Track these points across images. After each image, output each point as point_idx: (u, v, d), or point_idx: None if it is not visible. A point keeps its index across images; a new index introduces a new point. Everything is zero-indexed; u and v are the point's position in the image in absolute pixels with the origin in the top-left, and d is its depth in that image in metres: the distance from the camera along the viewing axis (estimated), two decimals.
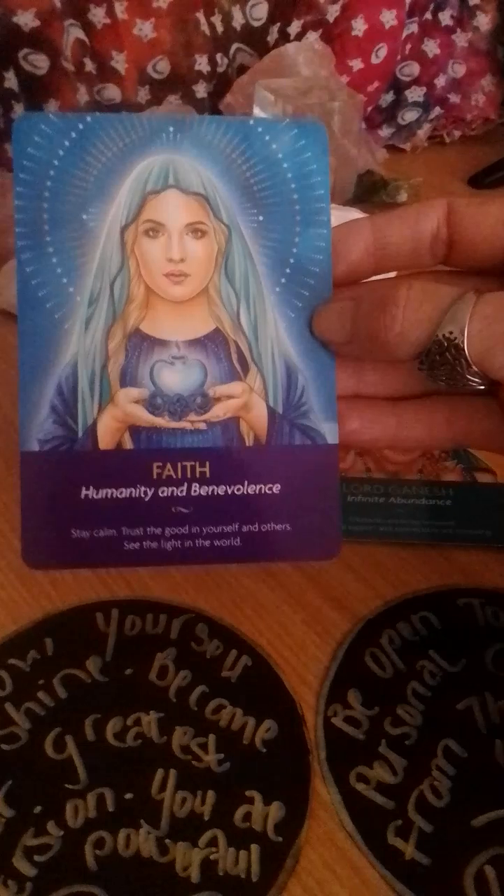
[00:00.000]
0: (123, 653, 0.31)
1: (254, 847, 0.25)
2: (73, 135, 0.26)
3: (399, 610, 0.33)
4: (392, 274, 0.28)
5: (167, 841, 0.25)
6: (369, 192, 0.63)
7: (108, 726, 0.28)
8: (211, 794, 0.27)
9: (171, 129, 0.27)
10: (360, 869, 0.25)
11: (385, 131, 0.75)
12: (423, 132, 0.76)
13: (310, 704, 0.30)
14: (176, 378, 0.27)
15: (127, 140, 0.27)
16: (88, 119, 0.26)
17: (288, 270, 0.27)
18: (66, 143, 0.26)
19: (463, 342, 0.23)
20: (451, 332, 0.23)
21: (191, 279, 0.27)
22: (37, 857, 0.25)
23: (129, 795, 0.27)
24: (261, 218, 0.27)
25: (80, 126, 0.26)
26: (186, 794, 0.27)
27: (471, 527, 0.36)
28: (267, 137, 0.27)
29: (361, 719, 0.29)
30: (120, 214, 0.27)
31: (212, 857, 0.25)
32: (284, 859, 0.25)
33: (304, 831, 0.26)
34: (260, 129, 0.27)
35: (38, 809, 0.26)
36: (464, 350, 0.23)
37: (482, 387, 0.24)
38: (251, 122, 0.28)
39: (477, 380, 0.23)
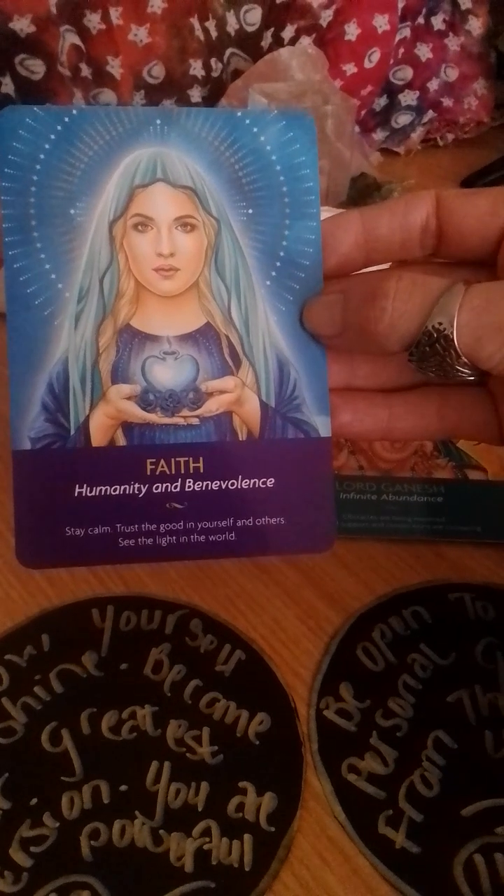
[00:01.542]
0: (119, 648, 0.31)
1: (247, 837, 0.26)
2: (59, 128, 0.26)
3: (391, 605, 0.33)
4: (385, 265, 0.28)
5: (161, 831, 0.26)
6: (363, 195, 0.64)
7: (103, 720, 0.29)
8: (205, 786, 0.27)
9: (159, 121, 0.27)
10: (351, 857, 0.26)
11: (379, 135, 0.76)
12: (416, 135, 0.76)
13: (302, 697, 0.30)
14: (168, 373, 0.27)
15: (114, 133, 0.26)
16: (74, 112, 0.26)
17: (278, 263, 0.27)
18: (52, 137, 0.26)
19: (452, 333, 0.23)
20: (440, 324, 0.23)
21: (181, 273, 0.27)
22: (33, 848, 0.25)
23: (124, 787, 0.27)
24: (250, 211, 0.27)
25: (66, 119, 0.26)
26: (181, 785, 0.27)
27: (462, 523, 0.37)
28: (255, 129, 0.27)
29: (353, 712, 0.29)
30: (108, 209, 0.27)
31: (205, 846, 0.25)
32: (277, 849, 0.26)
33: (297, 821, 0.26)
34: (248, 121, 0.27)
35: (34, 801, 0.27)
36: (453, 341, 0.23)
37: (472, 378, 0.24)
38: (239, 113, 0.27)
39: (467, 371, 0.24)
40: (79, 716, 0.29)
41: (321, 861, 0.26)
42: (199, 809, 0.26)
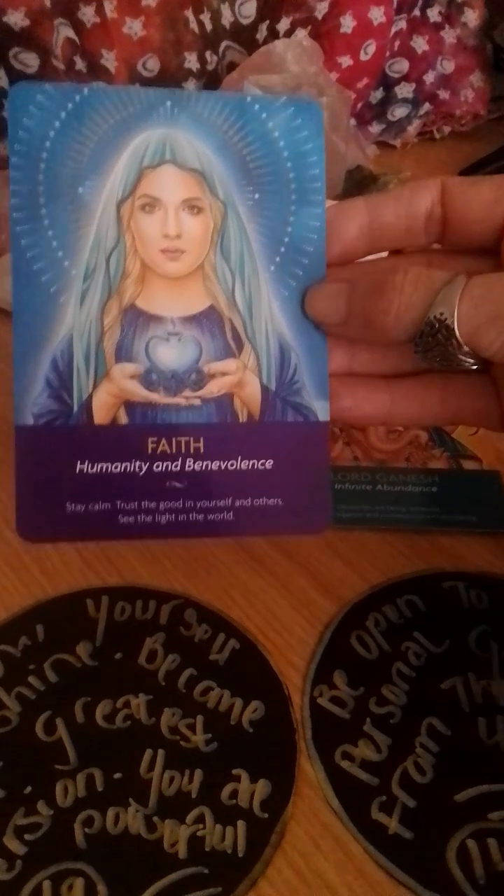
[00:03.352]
0: (113, 638, 0.31)
1: (240, 823, 0.26)
2: (70, 106, 0.26)
3: (385, 594, 0.33)
4: (384, 253, 0.29)
5: (155, 818, 0.26)
6: (359, 188, 0.64)
7: (97, 709, 0.29)
8: (198, 773, 0.27)
9: (169, 103, 0.27)
10: (344, 843, 0.26)
11: (375, 127, 0.76)
12: (412, 128, 0.76)
13: (296, 685, 0.30)
14: (171, 354, 0.27)
15: (124, 113, 0.26)
16: (85, 91, 0.26)
17: (282, 249, 0.27)
18: (63, 115, 0.26)
19: (453, 323, 0.23)
20: (441, 314, 0.23)
21: (186, 255, 0.27)
22: (27, 836, 0.25)
23: (118, 775, 0.27)
24: (256, 196, 0.27)
25: (77, 98, 0.26)
26: (174, 773, 0.27)
27: (456, 512, 0.37)
28: (264, 115, 0.27)
29: (347, 699, 0.29)
30: (116, 188, 0.27)
31: (199, 833, 0.25)
32: (270, 835, 0.26)
33: (290, 807, 0.26)
34: (257, 107, 0.27)
35: (28, 790, 0.26)
36: (454, 330, 0.23)
37: (475, 366, 0.24)
38: (248, 99, 0.28)
39: (469, 359, 0.24)
40: (73, 705, 0.29)
41: (314, 847, 0.26)
42: (193, 796, 0.26)
